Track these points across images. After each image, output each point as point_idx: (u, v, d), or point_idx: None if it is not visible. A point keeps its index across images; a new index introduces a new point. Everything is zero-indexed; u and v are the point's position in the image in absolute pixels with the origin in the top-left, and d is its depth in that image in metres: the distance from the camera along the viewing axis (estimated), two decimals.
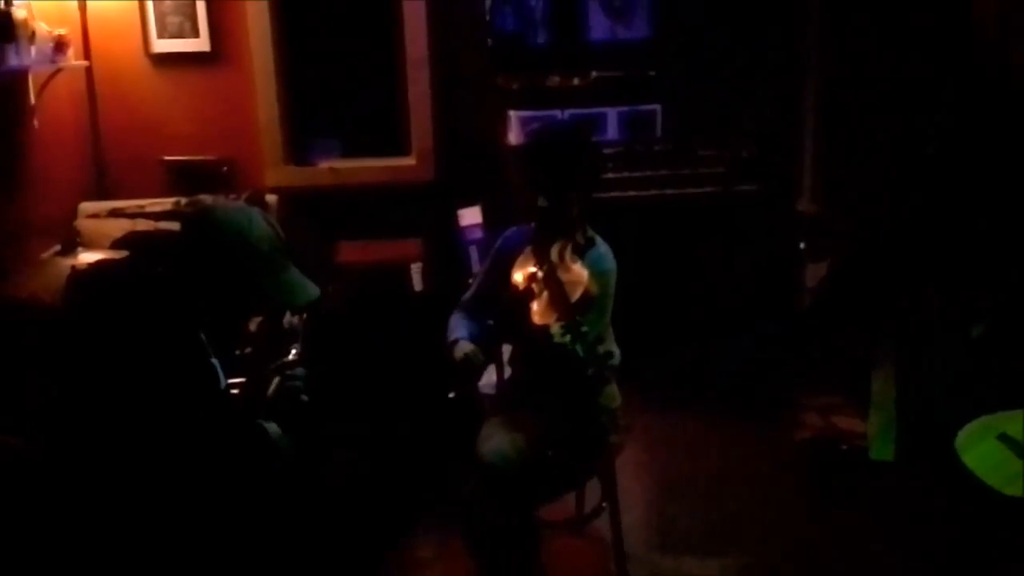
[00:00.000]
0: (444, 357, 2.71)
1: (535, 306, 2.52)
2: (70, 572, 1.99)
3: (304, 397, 2.23)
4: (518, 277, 2.62)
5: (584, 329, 2.28)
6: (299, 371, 2.28)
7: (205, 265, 2.06)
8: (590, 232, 2.65)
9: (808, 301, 4.29)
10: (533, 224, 2.69)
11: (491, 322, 2.83)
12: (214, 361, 2.18)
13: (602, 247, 2.64)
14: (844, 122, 4.15)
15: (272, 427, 2.16)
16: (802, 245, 4.26)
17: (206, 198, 3.72)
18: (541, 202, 2.58)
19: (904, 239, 3.56)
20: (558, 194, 2.56)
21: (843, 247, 4.12)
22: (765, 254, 4.31)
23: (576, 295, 2.45)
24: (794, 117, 4.35)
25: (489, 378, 3.39)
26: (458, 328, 2.73)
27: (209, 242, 2.06)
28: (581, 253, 2.57)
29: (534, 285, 2.55)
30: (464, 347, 2.64)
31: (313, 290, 2.17)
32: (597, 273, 2.53)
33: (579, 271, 2.50)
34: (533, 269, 2.58)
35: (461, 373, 2.66)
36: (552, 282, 2.49)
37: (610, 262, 2.62)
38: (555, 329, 2.36)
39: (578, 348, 2.27)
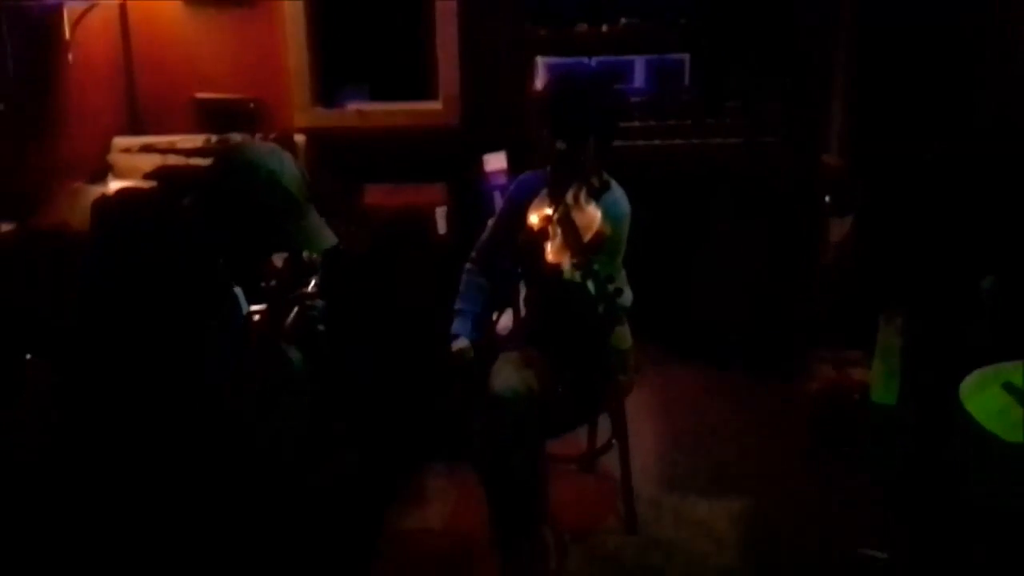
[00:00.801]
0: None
1: (549, 246, 2.57)
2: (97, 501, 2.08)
3: (320, 327, 2.29)
4: (534, 219, 2.67)
5: (596, 268, 2.32)
6: (318, 303, 2.35)
7: (232, 201, 2.08)
8: (606, 176, 2.69)
9: (831, 255, 4.29)
10: (548, 168, 2.73)
11: (505, 269, 2.90)
12: (237, 290, 2.26)
13: (617, 191, 2.68)
14: (874, 76, 4.10)
15: (294, 353, 2.24)
16: (827, 199, 4.24)
17: (236, 136, 3.79)
18: (559, 145, 2.62)
19: (928, 195, 3.54)
20: (576, 138, 2.60)
21: (868, 202, 4.11)
22: (789, 207, 4.29)
23: (589, 236, 2.49)
24: (823, 70, 4.30)
25: (505, 320, 3.46)
26: (466, 312, 2.84)
27: (239, 180, 2.08)
28: (596, 196, 2.60)
29: (549, 227, 2.60)
30: (460, 343, 2.79)
31: (331, 238, 2.20)
32: (611, 216, 2.58)
33: (593, 213, 2.54)
34: (548, 211, 2.62)
35: (453, 363, 2.79)
36: (566, 223, 2.54)
37: (624, 206, 2.66)
38: (567, 268, 2.41)
39: (589, 285, 2.31)
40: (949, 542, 2.51)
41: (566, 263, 2.44)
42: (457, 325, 2.82)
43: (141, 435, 1.99)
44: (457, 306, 2.84)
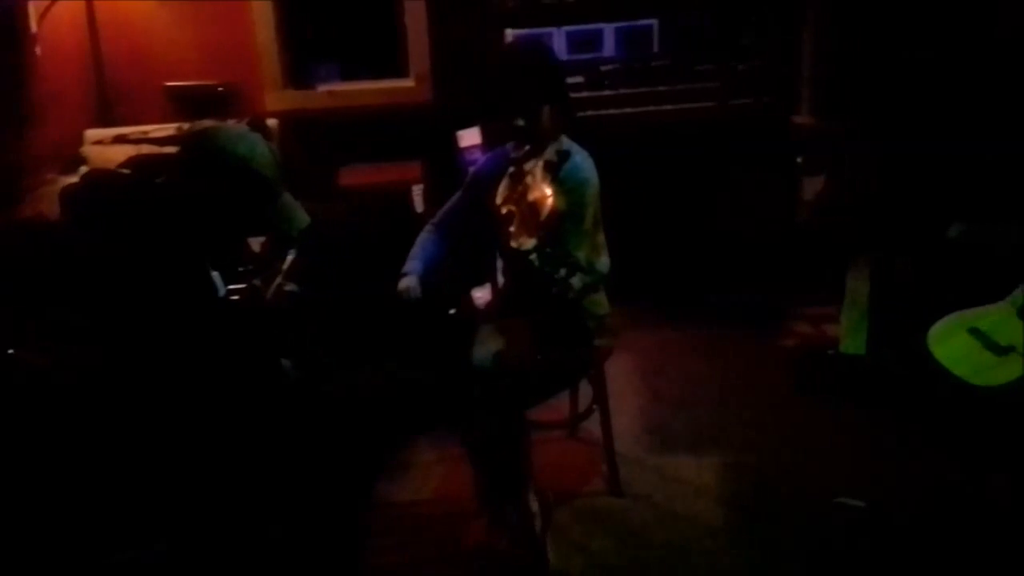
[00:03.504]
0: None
1: (512, 228, 2.61)
2: (85, 484, 2.11)
3: (295, 292, 2.32)
4: (499, 200, 2.70)
5: (547, 250, 2.33)
6: (292, 286, 2.39)
7: (205, 187, 2.09)
8: (565, 145, 2.68)
9: (805, 214, 4.33)
10: (508, 146, 2.76)
11: (479, 243, 2.93)
12: (214, 274, 2.28)
13: (578, 157, 2.65)
14: (843, 35, 4.13)
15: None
16: (799, 159, 4.28)
17: (208, 123, 3.79)
18: (518, 122, 2.65)
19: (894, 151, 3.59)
20: (529, 111, 2.62)
21: (840, 160, 4.15)
22: (763, 168, 4.33)
23: (543, 214, 2.49)
24: (792, 30, 4.33)
25: (483, 292, 3.51)
26: (416, 255, 2.83)
27: (211, 165, 2.09)
28: (555, 169, 2.58)
29: (511, 207, 2.64)
30: (407, 281, 2.77)
31: (305, 218, 2.22)
32: (571, 185, 2.56)
33: (543, 191, 2.52)
34: (509, 192, 2.66)
35: (398, 301, 2.77)
36: (523, 203, 2.57)
37: (585, 172, 2.64)
38: (526, 248, 2.44)
39: (544, 269, 2.34)
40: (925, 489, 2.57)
41: (525, 244, 2.47)
42: (407, 266, 2.82)
43: (126, 419, 2.03)
44: (410, 254, 2.85)
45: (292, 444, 2.26)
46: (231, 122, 3.86)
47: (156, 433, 2.02)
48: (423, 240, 2.89)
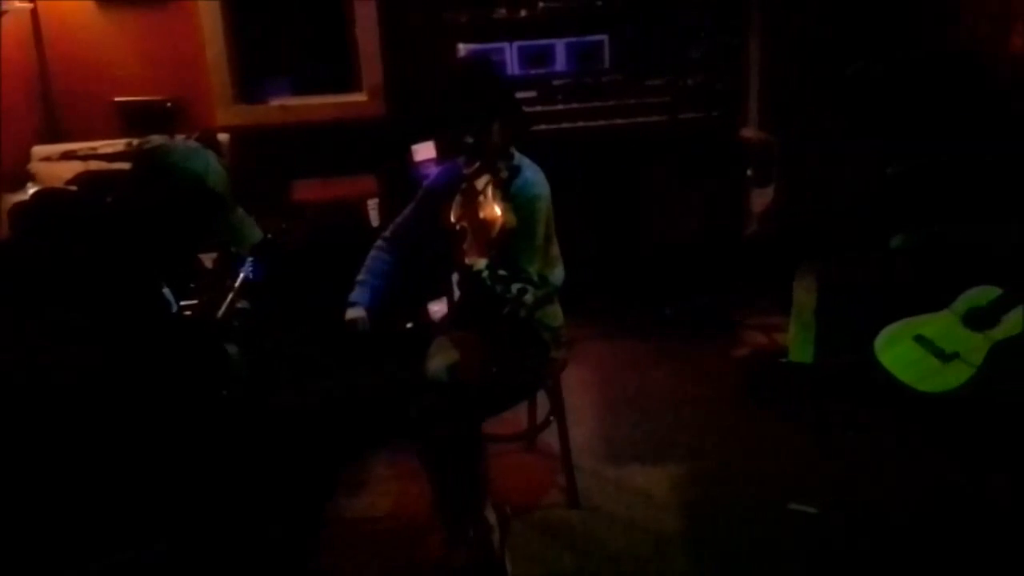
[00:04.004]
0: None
1: (465, 245, 2.62)
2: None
3: (245, 308, 2.31)
4: (452, 216, 2.71)
5: (500, 272, 2.34)
6: (243, 303, 2.37)
7: (156, 203, 2.07)
8: (516, 160, 2.69)
9: (755, 225, 4.41)
10: (461, 160, 2.77)
11: (433, 255, 2.93)
12: (166, 290, 2.26)
13: (528, 172, 2.67)
14: (788, 49, 4.23)
15: (231, 348, 2.25)
16: (748, 172, 4.36)
17: (158, 138, 3.75)
18: (467, 139, 2.66)
19: (840, 164, 3.67)
20: (477, 127, 2.63)
21: (787, 173, 4.23)
22: (712, 181, 4.41)
23: (494, 232, 2.50)
24: (739, 45, 4.42)
25: (439, 306, 3.51)
26: (365, 281, 2.84)
27: (164, 181, 2.07)
28: (505, 186, 2.61)
29: (464, 223, 2.65)
30: (355, 311, 2.78)
31: (257, 233, 2.22)
32: (522, 200, 2.59)
33: (493, 208, 2.54)
34: (461, 210, 2.67)
35: (346, 330, 2.78)
36: (474, 221, 2.58)
37: (536, 187, 2.67)
38: (476, 268, 2.45)
39: (496, 288, 2.35)
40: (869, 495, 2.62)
41: (477, 263, 2.48)
42: (355, 294, 2.82)
43: (76, 438, 1.99)
44: (359, 278, 2.85)
45: (239, 460, 2.24)
46: (180, 138, 3.85)
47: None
48: (373, 258, 2.89)
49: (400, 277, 2.87)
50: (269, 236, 2.33)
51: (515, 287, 2.31)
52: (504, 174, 2.59)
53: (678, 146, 4.29)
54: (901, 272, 2.97)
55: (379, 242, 2.93)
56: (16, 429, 1.99)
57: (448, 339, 2.77)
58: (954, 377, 2.44)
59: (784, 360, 3.43)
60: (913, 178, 3.20)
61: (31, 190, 3.32)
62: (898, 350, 2.50)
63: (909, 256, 3.00)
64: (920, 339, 2.51)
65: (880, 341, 2.52)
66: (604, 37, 4.36)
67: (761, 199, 4.31)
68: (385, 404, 3.02)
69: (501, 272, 2.34)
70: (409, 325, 3.67)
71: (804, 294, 3.27)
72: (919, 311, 2.59)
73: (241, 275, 2.41)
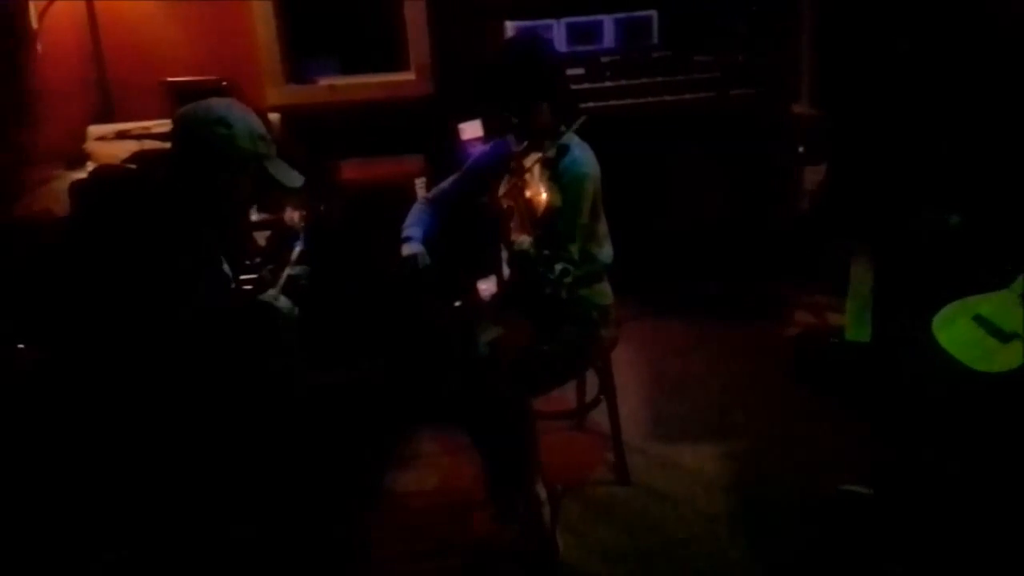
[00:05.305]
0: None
1: (512, 224, 2.62)
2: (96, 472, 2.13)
3: (303, 281, 2.36)
4: (501, 193, 2.72)
5: (545, 252, 2.34)
6: (302, 268, 2.42)
7: (195, 158, 2.17)
8: (564, 139, 2.64)
9: (806, 204, 4.35)
10: (509, 138, 2.77)
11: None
12: (225, 267, 2.31)
13: (576, 151, 2.63)
14: (842, 23, 4.14)
15: (285, 303, 2.29)
16: (800, 148, 4.29)
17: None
18: (514, 120, 2.65)
19: (892, 139, 3.60)
20: (524, 108, 2.62)
21: (840, 149, 4.16)
22: (764, 158, 4.35)
23: (538, 213, 2.50)
24: (791, 19, 4.34)
25: (488, 284, 3.51)
26: (415, 223, 2.83)
27: (197, 136, 2.17)
28: (552, 165, 2.58)
29: (511, 202, 2.65)
30: (412, 247, 2.75)
31: (298, 178, 2.30)
32: (568, 179, 2.57)
33: (538, 188, 2.53)
34: (509, 188, 2.68)
35: (404, 269, 2.75)
36: (520, 200, 2.58)
37: (584, 165, 2.63)
38: (518, 247, 2.45)
39: (538, 269, 2.35)
40: (929, 476, 2.59)
41: (520, 242, 2.49)
42: (408, 231, 2.81)
43: (140, 408, 2.05)
44: (405, 231, 2.84)
45: (295, 436, 2.28)
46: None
47: (151, 432, 2.05)
48: (418, 210, 2.89)
49: (441, 243, 2.87)
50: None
51: (558, 267, 2.31)
52: (551, 153, 2.58)
53: (728, 123, 4.23)
54: (959, 250, 2.91)
55: (421, 200, 2.95)
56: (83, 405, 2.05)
57: (499, 319, 2.78)
58: (1013, 357, 2.39)
59: (837, 339, 3.38)
60: (969, 155, 3.13)
61: (90, 168, 3.38)
62: (956, 330, 2.45)
63: (967, 234, 2.94)
64: (979, 319, 2.46)
65: (938, 320, 2.47)
66: (653, 12, 4.30)
67: (813, 176, 4.24)
68: (429, 381, 3.05)
69: (545, 252, 2.34)
70: (458, 303, 3.69)
71: (861, 272, 3.22)
72: (977, 290, 2.54)
73: (296, 249, 2.45)
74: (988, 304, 2.49)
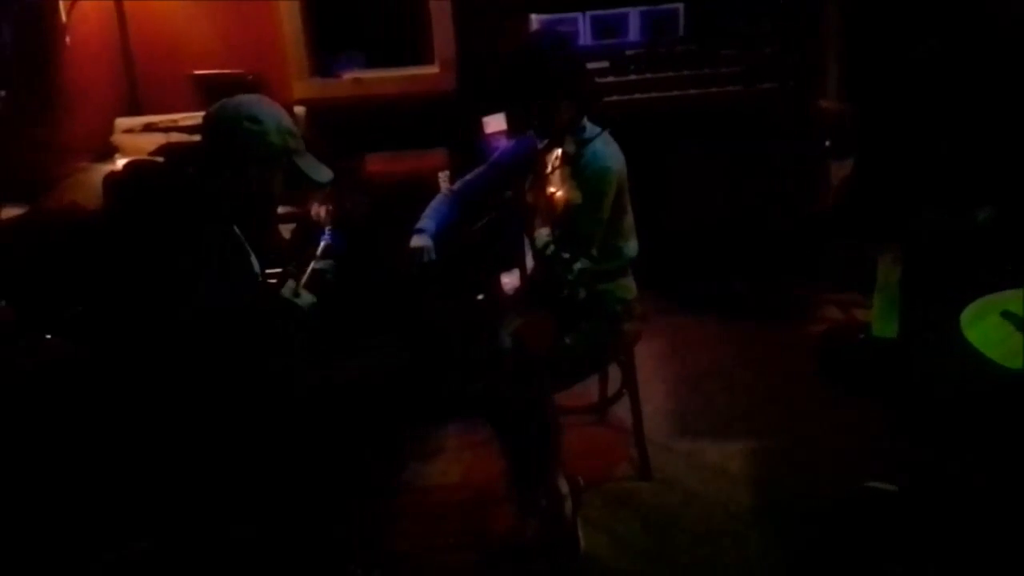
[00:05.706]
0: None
1: (536, 221, 2.62)
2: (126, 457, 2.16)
3: (329, 276, 2.37)
4: (527, 187, 2.72)
5: (565, 255, 2.33)
6: (327, 262, 2.43)
7: (224, 152, 2.19)
8: (588, 133, 2.64)
9: (833, 199, 4.31)
10: (533, 135, 2.76)
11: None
12: (253, 260, 2.33)
13: (599, 144, 2.61)
14: (869, 16, 4.10)
15: (307, 297, 2.30)
16: (827, 143, 4.25)
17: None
18: (534, 115, 2.65)
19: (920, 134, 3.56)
20: (546, 104, 2.60)
21: (867, 144, 4.12)
22: (789, 152, 4.31)
23: (558, 209, 2.50)
24: (817, 13, 4.30)
25: (511, 278, 3.52)
26: (430, 215, 2.82)
27: (225, 131, 2.20)
28: (574, 160, 2.58)
29: (534, 197, 2.65)
30: (421, 239, 2.73)
31: (327, 172, 2.32)
32: (589, 173, 2.56)
33: (559, 185, 2.52)
34: (535, 184, 2.68)
35: (408, 262, 2.73)
36: (542, 196, 2.58)
37: (606, 160, 2.61)
38: (538, 244, 2.44)
39: (557, 267, 2.35)
40: (954, 471, 2.56)
41: (539, 238, 2.49)
42: (421, 223, 2.80)
43: (142, 406, 2.07)
44: (419, 223, 2.83)
45: (296, 435, 2.29)
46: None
47: (152, 431, 2.08)
48: (438, 202, 2.88)
49: (459, 233, 2.87)
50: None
51: (576, 267, 2.31)
52: (572, 149, 2.57)
53: (754, 117, 4.20)
54: (987, 246, 2.87)
55: (444, 191, 2.94)
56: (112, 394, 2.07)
57: (522, 312, 2.78)
58: None
59: (864, 335, 3.35)
60: (996, 151, 3.09)
61: (120, 161, 3.41)
62: (984, 326, 2.42)
63: (995, 230, 2.90)
64: (1007, 315, 2.42)
65: (966, 316, 2.44)
66: (679, 6, 4.28)
67: (840, 171, 4.20)
68: (451, 375, 3.05)
69: (564, 255, 2.34)
70: (480, 297, 3.69)
71: (889, 268, 3.19)
72: (1006, 286, 2.50)
73: (322, 243, 2.47)
74: (1017, 300, 2.45)
